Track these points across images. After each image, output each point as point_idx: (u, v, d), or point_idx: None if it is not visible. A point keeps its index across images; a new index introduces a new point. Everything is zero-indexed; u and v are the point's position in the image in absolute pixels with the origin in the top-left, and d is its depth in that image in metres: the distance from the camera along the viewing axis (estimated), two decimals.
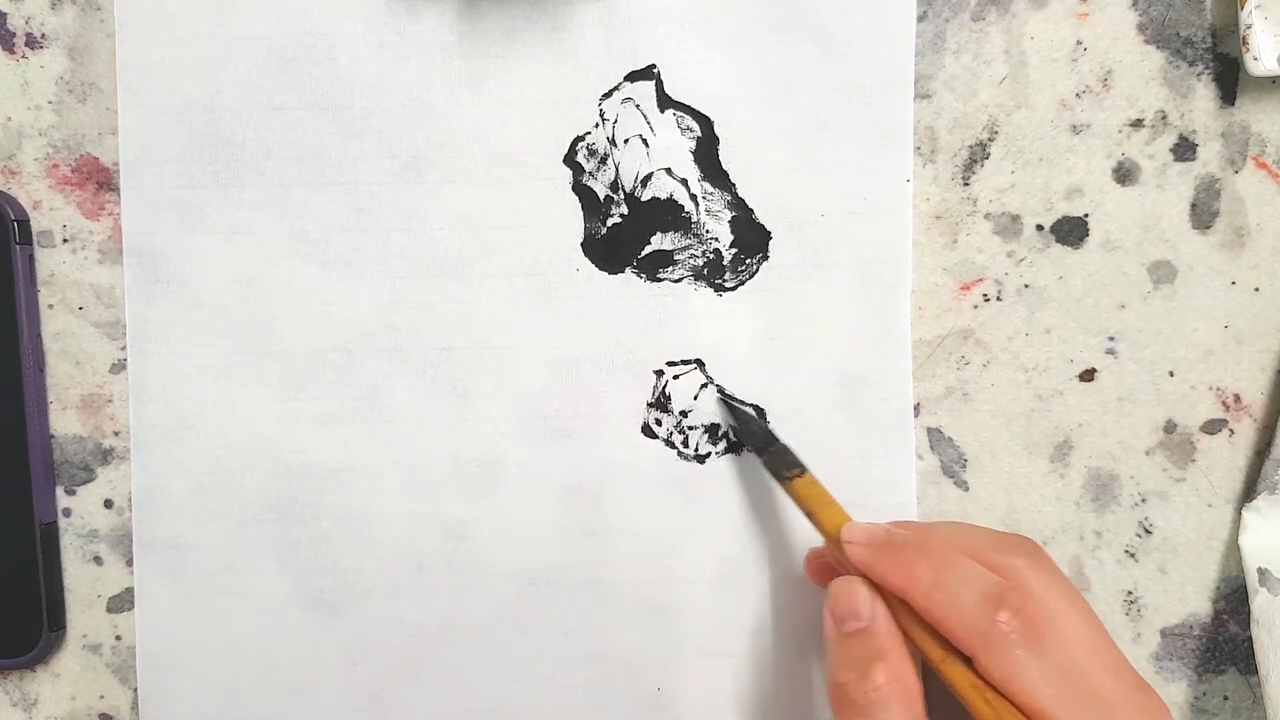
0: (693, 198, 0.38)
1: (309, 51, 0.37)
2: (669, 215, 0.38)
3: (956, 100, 0.38)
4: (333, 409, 0.38)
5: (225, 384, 0.38)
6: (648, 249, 0.38)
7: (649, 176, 0.38)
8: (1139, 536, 0.38)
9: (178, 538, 0.38)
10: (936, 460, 0.38)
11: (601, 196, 0.38)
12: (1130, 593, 0.39)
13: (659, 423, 0.38)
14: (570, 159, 0.38)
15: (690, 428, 0.38)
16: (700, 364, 0.38)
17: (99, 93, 0.38)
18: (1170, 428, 0.38)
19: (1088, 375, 0.38)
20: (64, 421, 0.39)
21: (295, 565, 0.38)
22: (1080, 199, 0.38)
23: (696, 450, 0.38)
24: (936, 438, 0.38)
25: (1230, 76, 0.37)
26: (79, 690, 0.39)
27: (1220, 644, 0.39)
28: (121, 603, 0.39)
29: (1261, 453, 0.38)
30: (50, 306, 0.38)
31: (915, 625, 0.32)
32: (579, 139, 0.38)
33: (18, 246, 0.37)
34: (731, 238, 0.38)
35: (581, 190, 0.38)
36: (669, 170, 0.38)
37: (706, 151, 0.38)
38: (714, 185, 0.38)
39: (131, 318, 0.38)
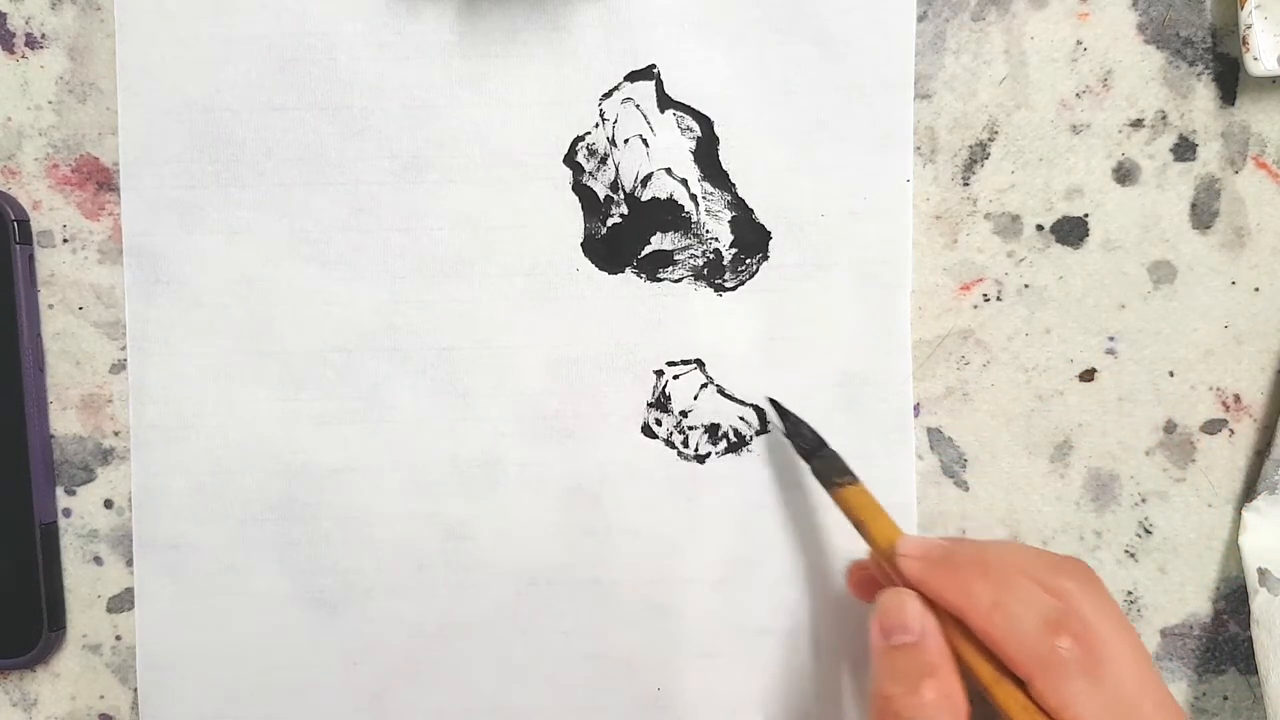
0: (693, 198, 0.38)
1: (309, 51, 0.37)
2: (669, 215, 0.38)
3: (956, 100, 0.38)
4: (333, 409, 0.38)
5: (225, 384, 0.38)
6: (648, 249, 0.38)
7: (649, 176, 0.38)
8: (1139, 536, 0.38)
9: (178, 538, 0.38)
10: (936, 460, 0.38)
11: (601, 196, 0.38)
12: (1130, 593, 0.39)
13: (659, 423, 0.38)
14: (570, 159, 0.38)
15: (690, 428, 0.38)
16: (700, 364, 0.38)
17: (99, 93, 0.38)
18: (1170, 428, 0.38)
19: (1088, 375, 0.38)
20: (64, 421, 0.39)
21: (295, 565, 0.38)
22: (1080, 199, 0.38)
23: (696, 450, 0.38)
24: (936, 438, 0.38)
25: (1230, 76, 0.37)
26: (79, 690, 0.39)
27: (1220, 644, 0.39)
28: (121, 603, 0.39)
29: (1261, 453, 0.38)
30: (50, 306, 0.38)
31: (966, 644, 0.31)
32: (579, 139, 0.38)
33: (18, 246, 0.37)
34: (731, 238, 0.38)
35: (581, 190, 0.38)
36: (669, 170, 0.38)
37: (706, 151, 0.38)
38: (714, 185, 0.38)
39: (131, 318, 0.38)
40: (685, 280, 0.38)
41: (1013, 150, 0.38)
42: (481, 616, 0.39)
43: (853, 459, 0.37)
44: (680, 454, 0.38)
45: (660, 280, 0.38)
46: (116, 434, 0.39)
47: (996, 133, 0.38)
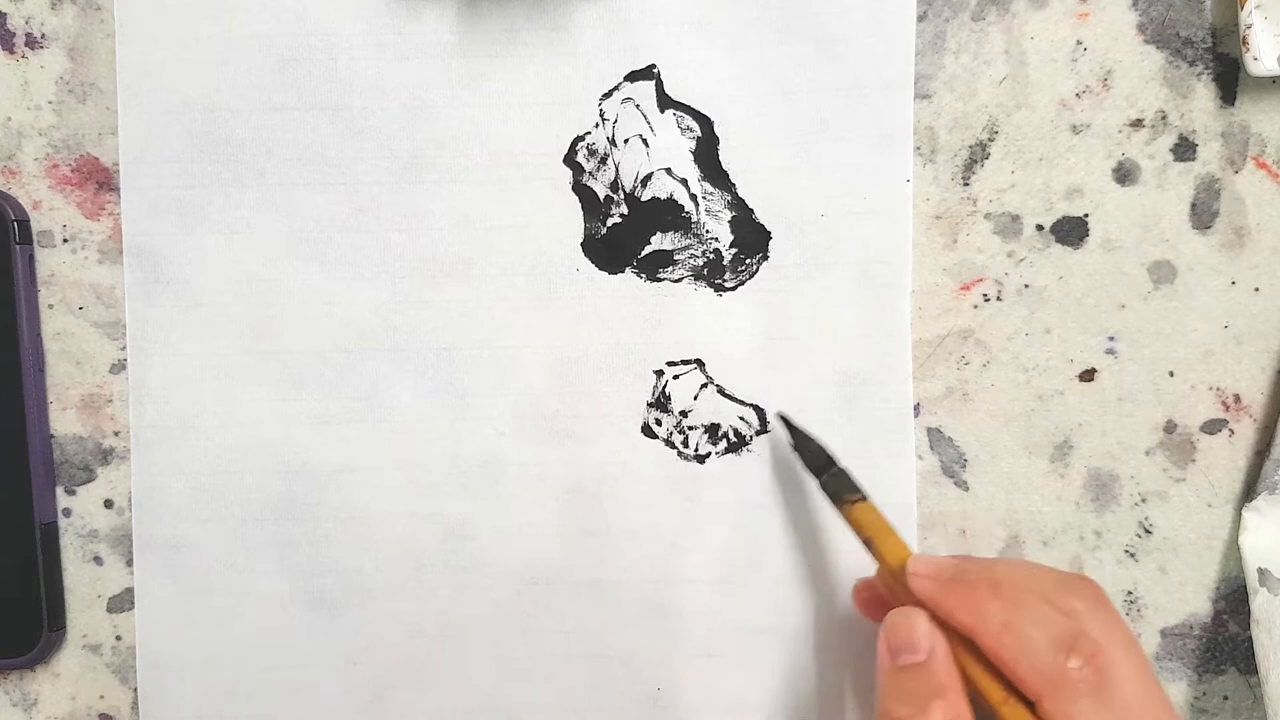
0: (693, 198, 0.38)
1: (309, 51, 0.37)
2: (669, 215, 0.38)
3: (956, 100, 0.38)
4: (333, 409, 0.38)
5: (225, 384, 0.38)
6: (648, 249, 0.38)
7: (649, 176, 0.38)
8: (1139, 536, 0.38)
9: (178, 538, 0.38)
10: (936, 460, 0.38)
11: (601, 196, 0.38)
12: (1130, 593, 0.39)
13: (659, 423, 0.38)
14: (570, 159, 0.38)
15: (690, 428, 0.38)
16: (700, 364, 0.38)
17: (99, 93, 0.38)
18: (1170, 428, 0.38)
19: (1088, 375, 0.38)
20: (64, 421, 0.39)
21: (295, 565, 0.38)
22: (1080, 199, 0.38)
23: (696, 450, 0.38)
24: (936, 438, 0.38)
25: (1230, 76, 0.37)
26: (79, 690, 0.39)
27: (1220, 644, 0.38)
28: (121, 603, 0.39)
29: (1261, 453, 0.38)
30: (50, 306, 0.38)
31: (975, 663, 0.31)
32: (579, 139, 0.38)
33: (18, 246, 0.37)
34: (731, 238, 0.38)
35: (581, 190, 0.38)
36: (669, 170, 0.38)
37: (706, 151, 0.38)
38: (714, 185, 0.38)
39: (131, 318, 0.38)
40: (685, 280, 0.38)
41: (1013, 150, 0.38)
42: (481, 616, 0.39)
43: (853, 459, 0.37)
44: (680, 454, 0.38)
45: (660, 280, 0.38)
46: (116, 434, 0.39)
47: (996, 133, 0.38)
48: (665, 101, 0.38)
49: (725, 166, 0.38)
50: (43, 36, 0.38)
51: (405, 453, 0.38)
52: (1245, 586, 0.37)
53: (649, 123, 0.38)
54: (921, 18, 0.37)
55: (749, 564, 0.38)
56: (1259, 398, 0.38)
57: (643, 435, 0.38)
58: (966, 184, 0.38)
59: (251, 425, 0.38)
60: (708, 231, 0.38)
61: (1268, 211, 0.38)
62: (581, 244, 0.38)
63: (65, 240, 0.38)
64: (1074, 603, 0.31)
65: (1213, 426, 0.38)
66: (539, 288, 0.38)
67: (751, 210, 0.38)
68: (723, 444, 0.38)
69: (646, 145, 0.38)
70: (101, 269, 0.38)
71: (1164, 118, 0.38)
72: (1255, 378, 0.38)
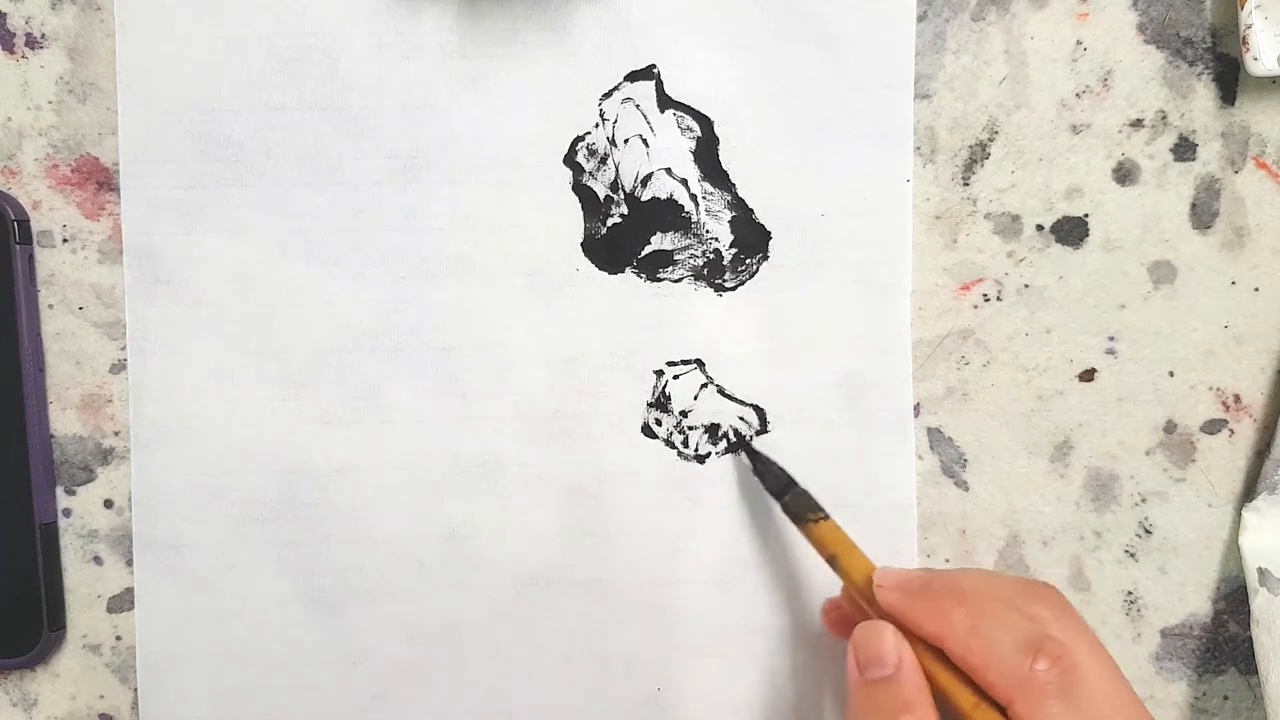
0: (693, 198, 0.38)
1: (309, 51, 0.38)
2: (669, 215, 0.38)
3: (956, 100, 0.38)
4: (333, 409, 0.38)
5: (225, 384, 0.38)
6: (648, 249, 0.38)
7: (649, 176, 0.38)
8: (1139, 536, 0.38)
9: (178, 538, 0.38)
10: (936, 460, 0.38)
11: (601, 196, 0.38)
12: (1130, 593, 0.39)
13: (659, 423, 0.38)
14: (570, 159, 0.38)
15: (690, 428, 0.38)
16: (700, 364, 0.38)
17: (99, 93, 0.38)
18: (1170, 428, 0.38)
19: (1088, 375, 0.38)
20: (64, 421, 0.39)
21: (295, 565, 0.38)
22: (1080, 199, 0.38)
23: (696, 450, 0.38)
24: (936, 438, 0.38)
25: (1230, 76, 0.37)
26: (79, 690, 0.39)
27: (1220, 644, 0.39)
28: (121, 603, 0.39)
29: (1261, 453, 0.38)
30: (50, 306, 0.38)
31: (945, 672, 0.31)
32: (579, 139, 0.38)
33: (18, 246, 0.37)
34: (731, 238, 0.38)
35: (581, 190, 0.38)
36: (669, 170, 0.38)
37: (706, 151, 0.38)
38: (714, 185, 0.38)
39: (131, 318, 0.38)
40: (685, 280, 0.38)
41: (1013, 150, 0.38)
42: (481, 616, 0.39)
43: (853, 459, 0.37)
44: (680, 454, 0.38)
45: (660, 280, 0.38)
46: (116, 434, 0.39)
47: (996, 133, 0.38)
48: (665, 101, 0.38)
49: (725, 166, 0.38)
50: (43, 36, 0.38)
51: (405, 453, 0.38)
52: (1245, 586, 0.37)
53: (649, 123, 0.38)
54: (921, 18, 0.37)
55: (749, 564, 0.38)
56: (1259, 398, 0.38)
57: (643, 435, 0.38)
58: (966, 184, 0.38)
59: (252, 425, 0.38)
60: (708, 231, 0.38)
61: (1268, 211, 0.38)
62: (581, 244, 0.38)
63: (65, 240, 0.38)
64: (1038, 608, 0.31)
65: (1213, 426, 0.38)
66: (539, 288, 0.38)
67: (751, 210, 0.38)
68: (723, 444, 0.38)
69: (646, 145, 0.38)
70: (101, 269, 0.38)
71: (1164, 118, 0.38)
72: (1255, 378, 0.38)
